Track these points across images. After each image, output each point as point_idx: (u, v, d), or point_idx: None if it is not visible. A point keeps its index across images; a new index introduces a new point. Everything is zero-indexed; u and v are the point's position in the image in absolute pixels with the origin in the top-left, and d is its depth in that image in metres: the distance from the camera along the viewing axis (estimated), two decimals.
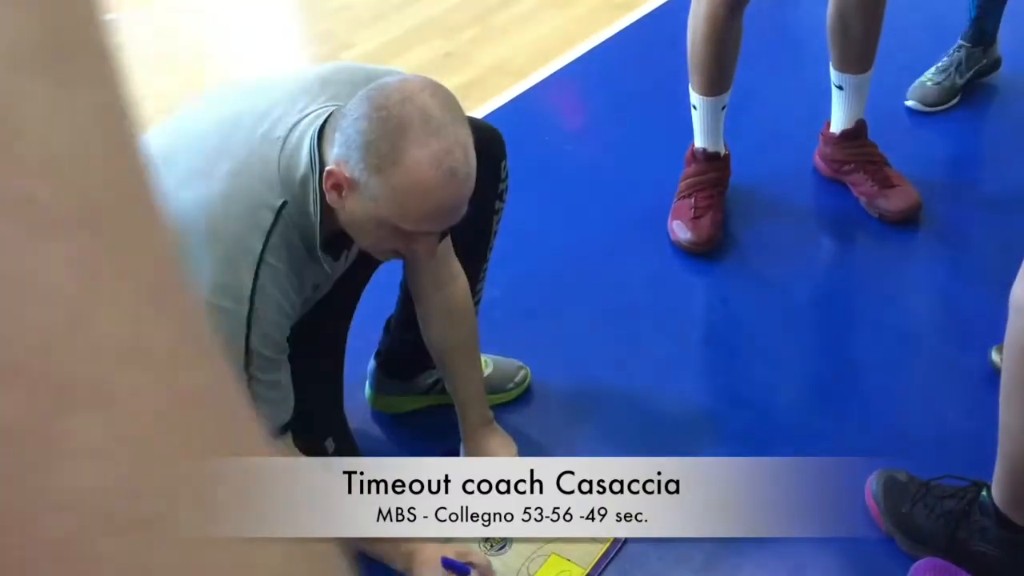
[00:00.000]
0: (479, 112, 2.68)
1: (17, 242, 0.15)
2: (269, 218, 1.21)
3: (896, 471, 1.52)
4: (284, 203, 1.22)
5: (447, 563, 1.41)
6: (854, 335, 1.92)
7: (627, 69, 2.86)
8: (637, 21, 3.11)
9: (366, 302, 1.59)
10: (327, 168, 1.19)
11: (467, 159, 1.21)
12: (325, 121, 1.23)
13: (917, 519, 1.46)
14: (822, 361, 1.89)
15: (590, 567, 1.52)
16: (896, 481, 1.50)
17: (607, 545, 1.55)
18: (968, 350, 1.81)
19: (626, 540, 1.55)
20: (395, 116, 1.17)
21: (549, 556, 1.53)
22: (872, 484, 1.52)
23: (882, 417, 1.71)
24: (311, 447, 1.41)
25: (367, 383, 1.80)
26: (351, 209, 1.21)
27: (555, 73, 2.81)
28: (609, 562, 1.53)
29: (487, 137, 1.56)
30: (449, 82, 2.83)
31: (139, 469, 0.16)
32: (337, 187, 1.19)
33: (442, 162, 1.18)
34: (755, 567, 1.51)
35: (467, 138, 1.22)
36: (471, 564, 1.43)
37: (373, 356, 1.79)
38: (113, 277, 0.16)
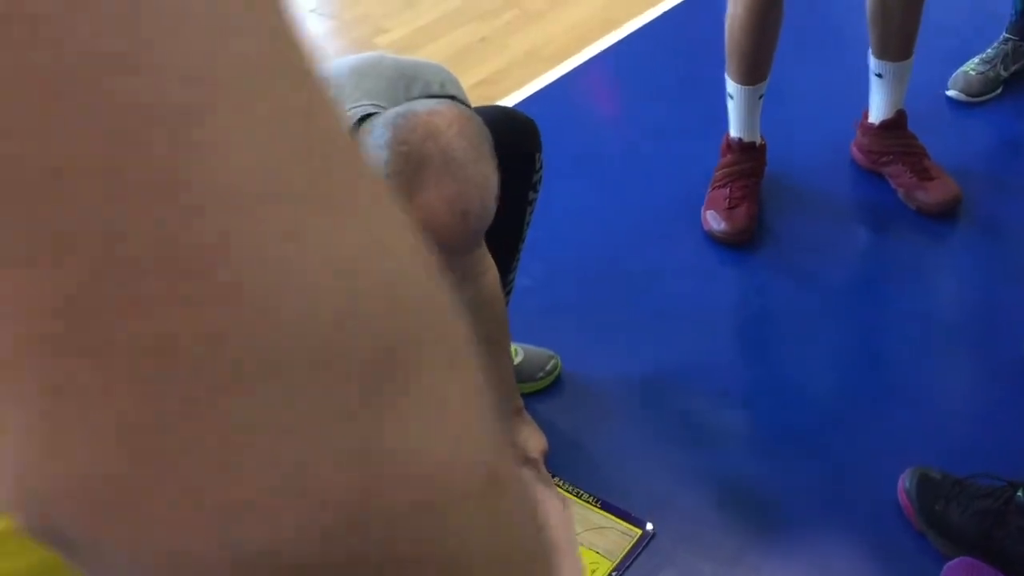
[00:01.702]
0: (513, 99, 2.68)
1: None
2: None
3: (930, 469, 1.51)
4: None
5: None
6: (890, 329, 1.90)
7: (664, 55, 2.83)
8: (677, 6, 3.08)
9: None
10: None
11: (483, 200, 1.20)
12: (357, 123, 1.22)
13: (951, 517, 1.45)
14: (857, 355, 1.87)
15: (618, 560, 1.52)
16: (929, 478, 1.49)
17: (636, 539, 1.55)
18: (1005, 347, 1.79)
19: (655, 534, 1.55)
20: (416, 153, 1.15)
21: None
22: (905, 481, 1.51)
23: (917, 413, 1.69)
24: None
25: None
26: None
27: (591, 59, 2.79)
28: (638, 556, 1.53)
29: (522, 129, 1.56)
30: (484, 68, 2.85)
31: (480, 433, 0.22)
32: None
33: (455, 205, 1.17)
34: (783, 559, 1.51)
35: (488, 178, 1.20)
36: None
37: None
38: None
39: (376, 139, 1.17)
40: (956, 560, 1.40)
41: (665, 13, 3.05)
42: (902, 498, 1.50)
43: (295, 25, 0.22)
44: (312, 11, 3.53)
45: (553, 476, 1.62)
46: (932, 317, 1.89)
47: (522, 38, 3.02)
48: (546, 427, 1.68)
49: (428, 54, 3.01)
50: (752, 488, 1.62)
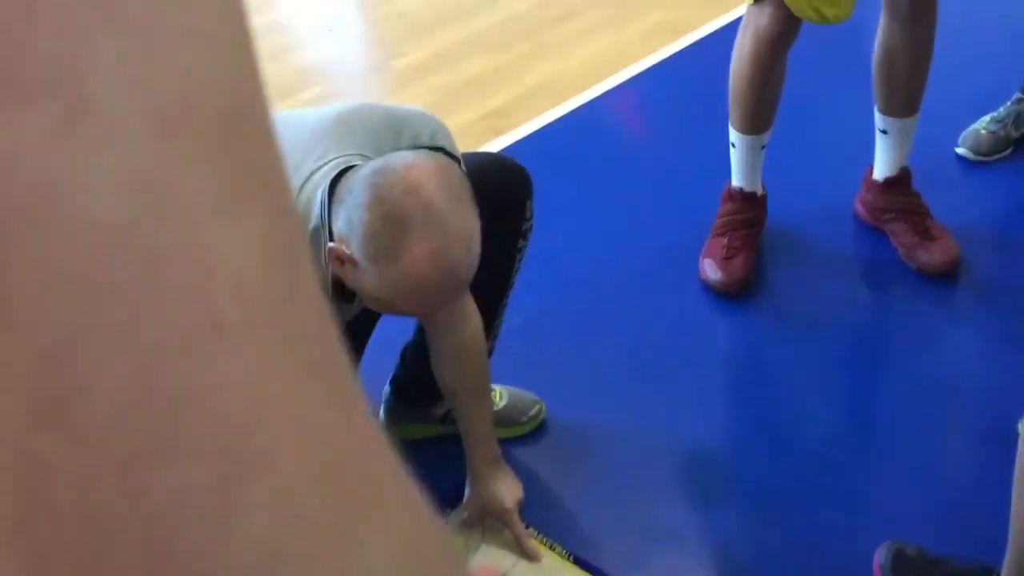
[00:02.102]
0: (522, 132, 2.68)
1: (209, 350, 0.19)
2: None
3: (906, 544, 1.48)
4: None
5: None
6: (882, 392, 1.88)
7: (674, 95, 2.83)
8: (691, 46, 3.08)
9: (383, 328, 1.60)
10: (329, 245, 1.19)
11: (468, 253, 1.19)
12: (337, 176, 1.22)
13: None
14: (846, 417, 1.84)
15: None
16: (904, 555, 1.46)
17: None
18: (997, 416, 1.76)
19: None
20: (396, 211, 1.15)
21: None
22: (880, 555, 1.49)
23: (900, 481, 1.67)
24: None
25: (381, 408, 1.81)
26: (353, 280, 1.21)
27: (601, 96, 2.79)
28: None
29: (513, 178, 1.55)
30: (495, 99, 2.85)
31: (294, 525, 0.20)
32: (340, 261, 1.19)
33: (440, 259, 1.16)
34: None
35: (472, 227, 1.20)
36: None
37: (388, 382, 1.79)
38: (283, 368, 0.20)
39: (355, 199, 1.17)
40: None
41: (682, 50, 3.04)
42: (876, 571, 1.48)
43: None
44: (329, 31, 3.55)
45: (527, 527, 1.61)
46: (926, 381, 1.86)
47: (535, 70, 3.02)
48: (524, 474, 1.67)
49: (443, 80, 3.02)
50: (728, 550, 1.60)
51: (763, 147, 2.07)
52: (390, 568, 0.23)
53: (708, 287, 2.07)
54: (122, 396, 0.18)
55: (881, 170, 2.13)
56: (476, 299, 1.51)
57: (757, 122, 2.02)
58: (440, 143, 1.34)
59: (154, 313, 0.18)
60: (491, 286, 1.58)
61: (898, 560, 1.46)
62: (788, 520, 1.63)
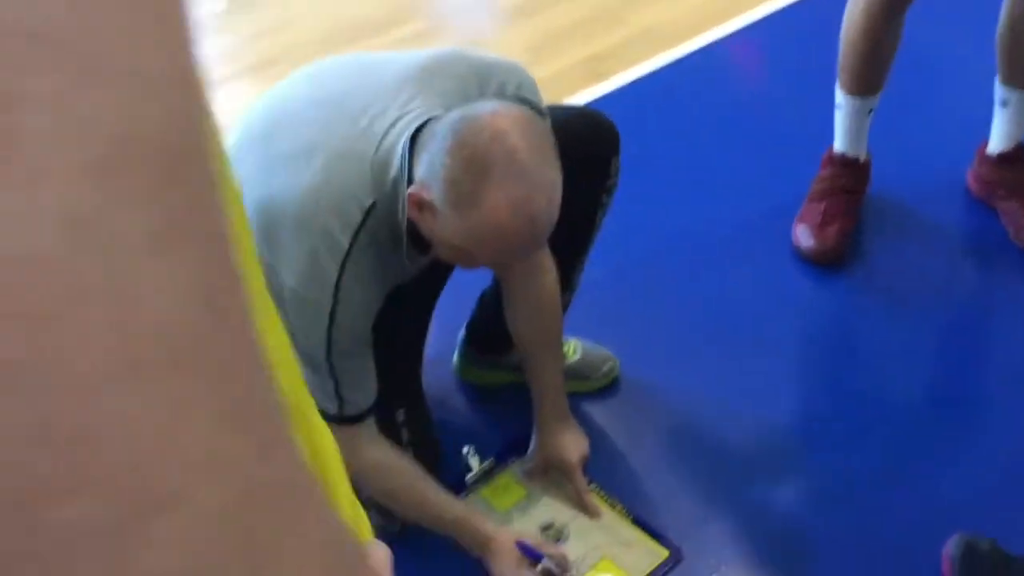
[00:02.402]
0: (621, 79, 2.61)
1: (123, 388, 0.19)
2: (358, 217, 1.21)
3: (980, 537, 1.43)
4: (374, 203, 1.22)
5: (521, 546, 1.43)
6: (971, 377, 1.80)
7: (786, 50, 2.71)
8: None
9: (462, 272, 1.58)
10: (408, 191, 1.18)
11: (549, 204, 1.17)
12: (420, 127, 1.20)
13: None
14: (932, 399, 1.77)
15: None
16: (977, 549, 1.41)
17: (662, 560, 1.52)
18: None
19: (682, 559, 1.52)
20: (480, 156, 1.13)
21: (602, 559, 1.52)
22: (951, 548, 1.43)
23: (981, 472, 1.60)
24: (380, 415, 1.43)
25: (456, 351, 1.81)
26: (430, 228, 1.20)
27: (706, 46, 2.69)
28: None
29: (600, 133, 1.52)
30: (598, 43, 2.78)
31: (199, 565, 0.20)
32: (418, 206, 1.18)
33: (521, 208, 1.14)
34: None
35: (554, 180, 1.17)
36: (546, 552, 1.44)
37: (464, 326, 1.79)
38: (201, 408, 0.20)
39: (439, 144, 1.16)
40: None
41: (799, 2, 2.91)
42: (945, 564, 1.43)
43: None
44: None
45: (590, 483, 1.61)
46: (1021, 372, 1.77)
47: (642, 15, 2.93)
48: (591, 431, 1.66)
49: (546, 21, 2.96)
50: (790, 528, 1.57)
51: (870, 111, 1.97)
52: None
53: (799, 254, 2.00)
54: (19, 431, 0.18)
55: (997, 144, 2.02)
56: (554, 254, 1.49)
57: (865, 84, 1.92)
58: (525, 95, 1.31)
59: (66, 349, 0.18)
60: (570, 242, 1.56)
61: (970, 554, 1.41)
62: (856, 501, 1.58)
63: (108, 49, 0.19)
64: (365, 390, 1.34)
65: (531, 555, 1.43)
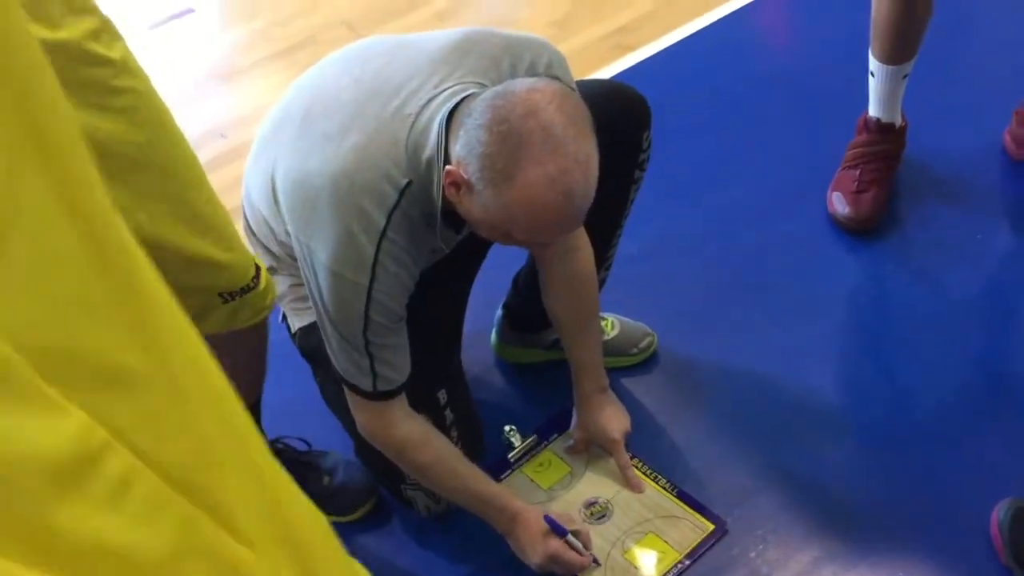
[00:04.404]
0: (649, 49, 2.58)
1: None
2: (393, 196, 1.22)
3: None
4: (409, 183, 1.22)
5: (549, 520, 1.44)
6: (1010, 342, 1.78)
7: (812, 13, 2.67)
8: None
9: (497, 252, 1.58)
10: (446, 168, 1.18)
11: (586, 178, 1.17)
12: (456, 105, 1.20)
13: None
14: (975, 366, 1.76)
15: (686, 552, 1.50)
16: None
17: (707, 533, 1.52)
18: None
19: (728, 531, 1.53)
20: (515, 131, 1.13)
21: (647, 534, 1.53)
22: (1000, 512, 1.43)
23: None
24: (423, 397, 1.44)
25: (494, 331, 1.82)
26: (467, 207, 1.20)
27: (732, 12, 2.65)
28: (706, 551, 1.51)
29: (631, 107, 1.51)
30: (621, 16, 2.75)
31: None
32: (455, 185, 1.18)
33: (557, 182, 1.14)
34: None
35: (590, 154, 1.17)
36: (571, 529, 1.45)
37: (501, 306, 1.80)
38: None
39: (475, 120, 1.16)
40: None
41: None
42: (994, 529, 1.43)
43: None
44: None
45: (632, 458, 1.61)
46: None
47: None
48: (632, 406, 1.67)
49: None
50: (837, 497, 1.57)
51: (905, 76, 1.94)
52: None
53: (835, 222, 1.99)
54: None
55: None
56: (588, 230, 1.49)
57: (900, 50, 1.89)
58: (555, 72, 1.30)
59: None
60: (604, 217, 1.54)
61: (1018, 518, 1.40)
62: (902, 468, 1.58)
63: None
64: (399, 366, 1.35)
65: (557, 529, 1.44)
